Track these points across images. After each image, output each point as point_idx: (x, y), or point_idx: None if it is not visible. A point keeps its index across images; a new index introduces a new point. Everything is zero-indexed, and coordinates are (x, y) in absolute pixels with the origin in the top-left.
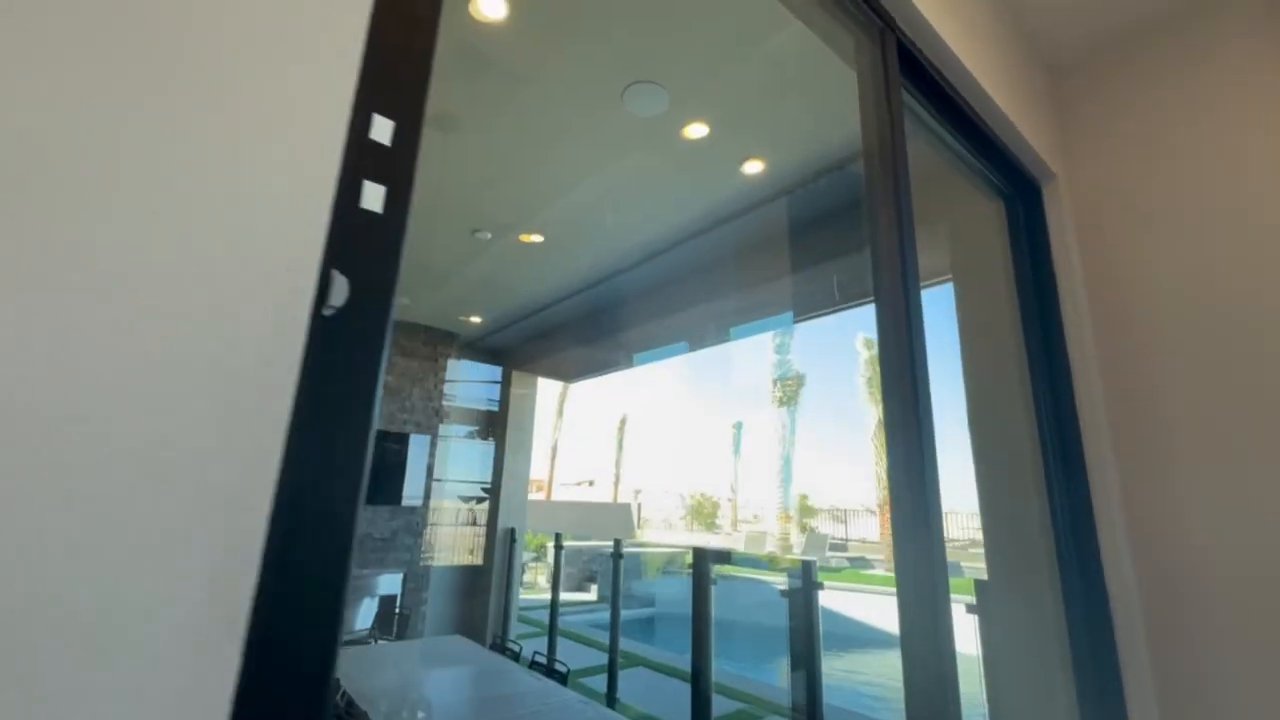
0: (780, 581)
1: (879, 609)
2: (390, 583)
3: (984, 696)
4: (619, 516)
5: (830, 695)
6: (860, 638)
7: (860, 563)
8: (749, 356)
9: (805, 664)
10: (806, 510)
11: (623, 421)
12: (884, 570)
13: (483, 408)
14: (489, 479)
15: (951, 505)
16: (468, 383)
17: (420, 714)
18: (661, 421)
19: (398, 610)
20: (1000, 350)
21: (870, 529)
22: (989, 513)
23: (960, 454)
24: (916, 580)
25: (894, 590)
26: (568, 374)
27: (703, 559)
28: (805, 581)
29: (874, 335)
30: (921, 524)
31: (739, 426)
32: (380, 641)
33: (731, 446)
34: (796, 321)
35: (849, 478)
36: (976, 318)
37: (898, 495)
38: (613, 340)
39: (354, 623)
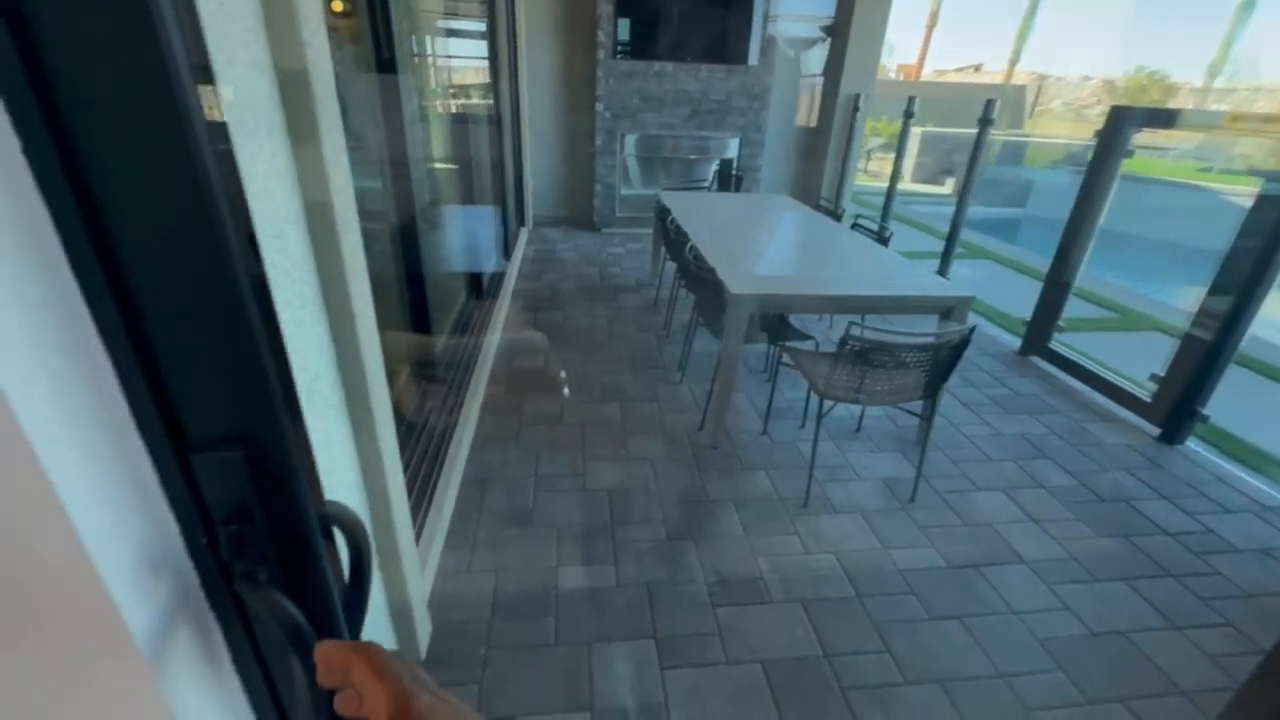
0: (1238, 190)
1: None
2: (730, 146)
3: None
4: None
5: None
6: None
7: None
8: None
9: (1235, 290)
10: None
11: None
12: None
13: None
14: (832, 12)
15: None
16: None
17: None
18: None
19: (734, 172)
20: None
21: None
22: None
23: None
24: None
25: None
26: None
27: (1122, 121)
28: None
29: None
30: None
31: None
32: (714, 190)
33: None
34: None
35: None
36: None
37: None
38: None
39: (698, 174)
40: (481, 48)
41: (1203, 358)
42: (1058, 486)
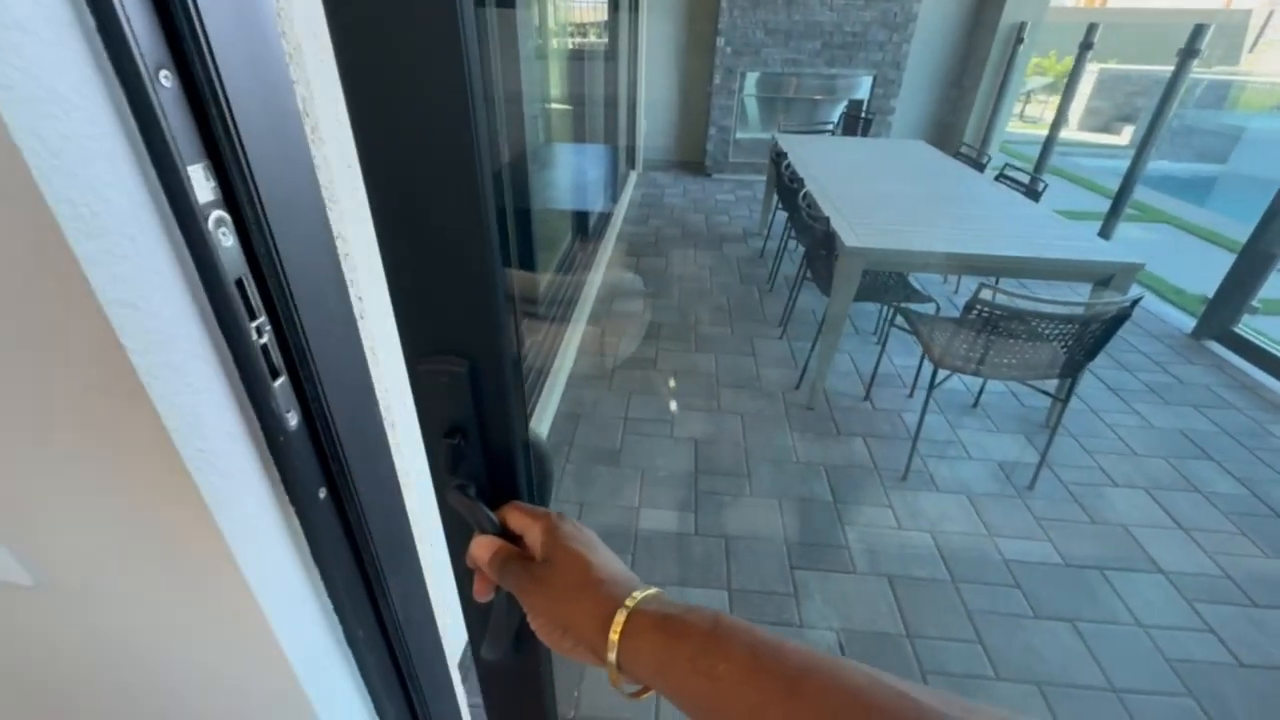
0: None
1: None
2: (860, 85)
3: None
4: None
5: None
6: None
7: None
8: None
9: None
10: None
11: None
12: None
13: None
14: None
15: None
16: None
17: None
18: None
19: (864, 115)
20: None
21: None
22: None
23: None
24: None
25: None
26: None
27: None
28: None
29: None
30: None
31: None
32: (838, 134)
33: None
34: None
35: None
36: None
37: None
38: None
39: (821, 116)
40: None
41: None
42: (1220, 494)
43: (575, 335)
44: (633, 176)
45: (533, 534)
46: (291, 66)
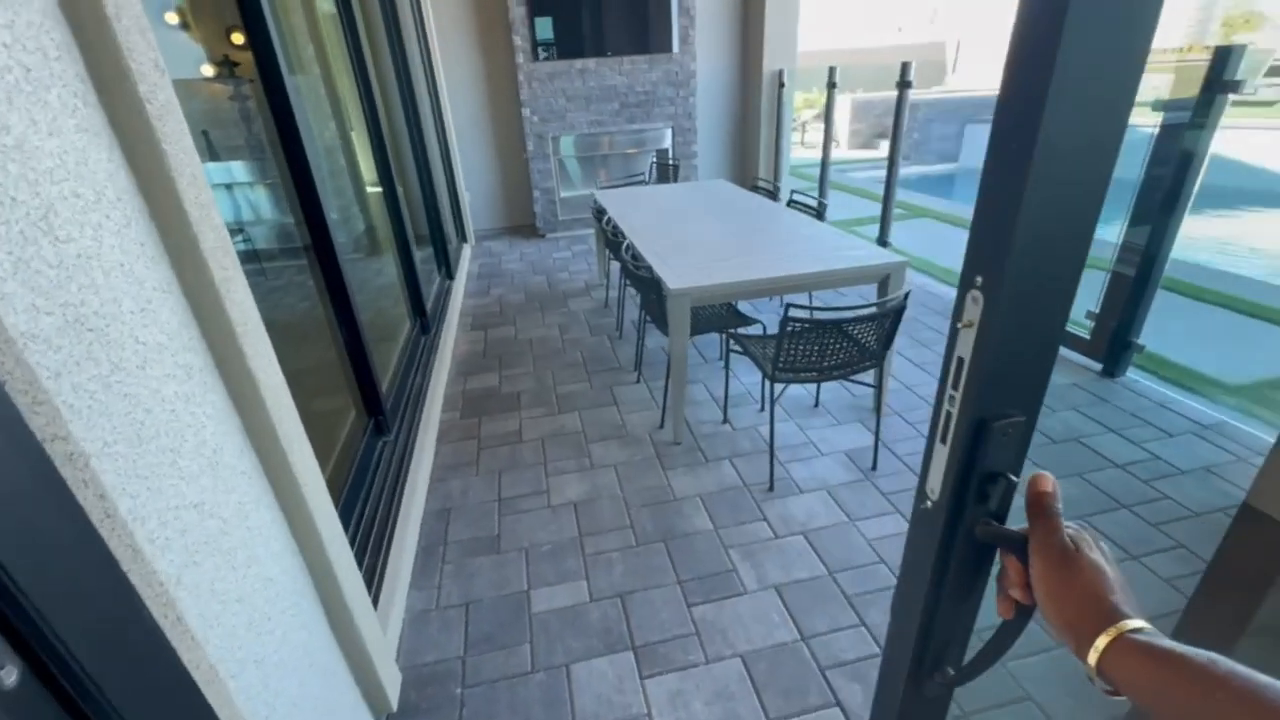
0: (1143, 123)
1: None
2: (663, 136)
3: None
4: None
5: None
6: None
7: None
8: None
9: (1152, 218)
10: (1234, 24)
11: None
12: None
13: None
14: None
15: None
16: None
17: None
18: None
19: (670, 162)
20: None
21: None
22: None
23: None
24: None
25: None
26: None
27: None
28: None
29: None
30: None
31: None
32: (652, 184)
33: None
34: None
35: None
36: None
37: None
38: None
39: (636, 167)
40: (394, 68)
41: (1131, 289)
42: None
43: (431, 426)
44: (466, 249)
45: (1054, 538)
46: None
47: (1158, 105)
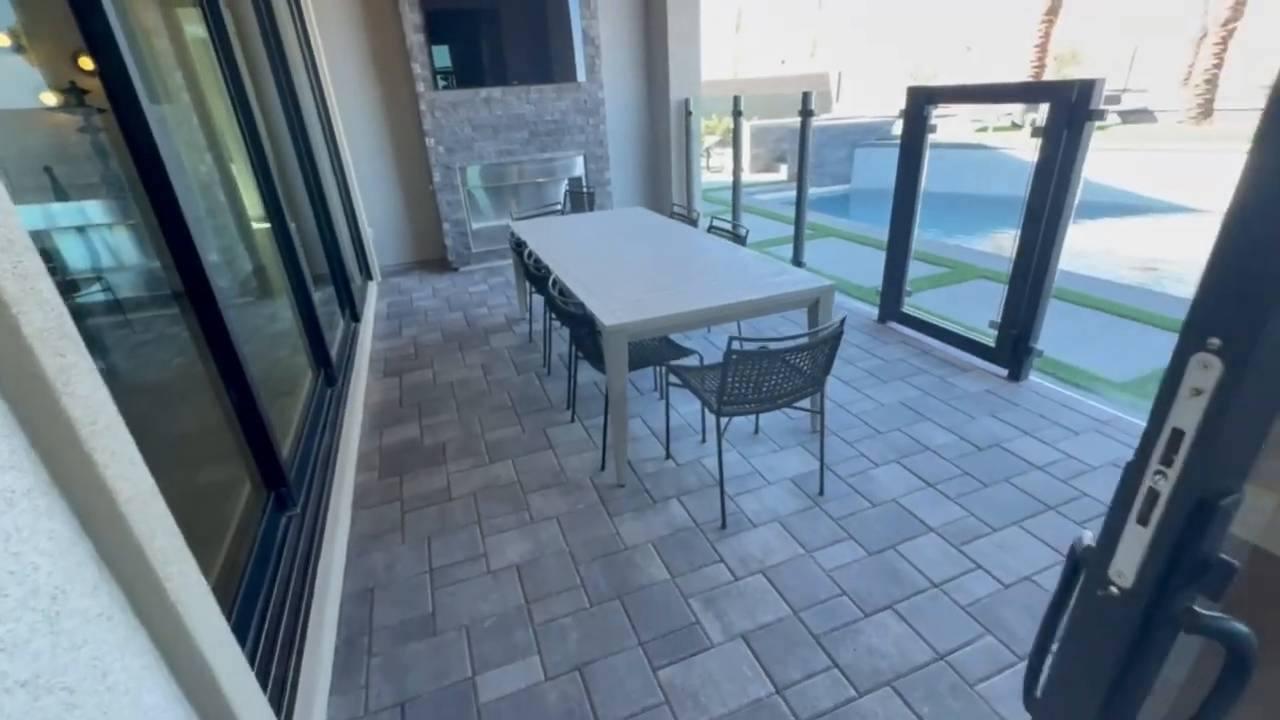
0: (1021, 143)
1: (1157, 171)
2: (576, 164)
3: None
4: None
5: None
6: (1120, 205)
7: (1141, 116)
8: None
9: (1038, 232)
10: (1065, 60)
11: None
12: (1182, 123)
13: None
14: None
15: None
16: None
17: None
18: None
19: (585, 190)
20: None
21: (1171, 69)
22: None
23: None
24: None
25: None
26: None
27: (917, 101)
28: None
29: None
30: None
31: None
32: (568, 213)
33: None
34: None
35: None
36: None
37: None
38: None
39: (549, 196)
40: (280, 96)
41: (1026, 298)
42: (940, 445)
43: (345, 491)
44: (372, 287)
45: None
46: None
47: (1036, 131)
